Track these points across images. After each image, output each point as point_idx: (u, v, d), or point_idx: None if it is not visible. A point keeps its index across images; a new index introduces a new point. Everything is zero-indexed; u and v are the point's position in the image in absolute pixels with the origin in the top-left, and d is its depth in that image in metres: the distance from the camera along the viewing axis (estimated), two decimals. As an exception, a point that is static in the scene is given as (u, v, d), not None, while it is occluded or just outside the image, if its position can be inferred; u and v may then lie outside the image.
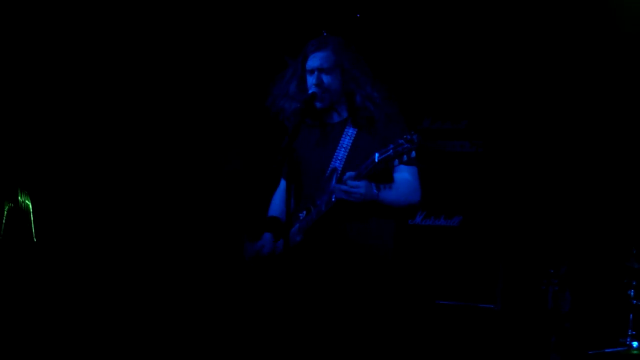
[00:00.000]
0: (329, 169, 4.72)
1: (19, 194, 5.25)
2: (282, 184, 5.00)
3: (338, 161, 4.70)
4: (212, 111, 7.05)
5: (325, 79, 4.68)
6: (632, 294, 6.17)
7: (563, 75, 6.85)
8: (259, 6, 6.81)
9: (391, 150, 4.36)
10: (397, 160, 4.38)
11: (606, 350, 6.02)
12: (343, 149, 4.71)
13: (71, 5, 6.27)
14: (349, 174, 4.42)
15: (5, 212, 5.15)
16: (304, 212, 4.72)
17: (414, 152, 4.34)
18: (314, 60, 4.72)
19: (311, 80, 4.69)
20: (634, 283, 6.17)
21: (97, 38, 6.42)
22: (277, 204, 4.97)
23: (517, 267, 6.78)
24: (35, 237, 5.28)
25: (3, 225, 5.12)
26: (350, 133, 4.71)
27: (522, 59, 6.90)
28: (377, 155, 4.40)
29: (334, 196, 4.51)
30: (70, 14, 6.27)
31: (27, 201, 5.25)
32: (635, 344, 6.07)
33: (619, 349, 6.05)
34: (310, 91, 4.66)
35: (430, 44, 7.09)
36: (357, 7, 6.85)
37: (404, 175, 4.69)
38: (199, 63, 6.92)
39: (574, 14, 6.64)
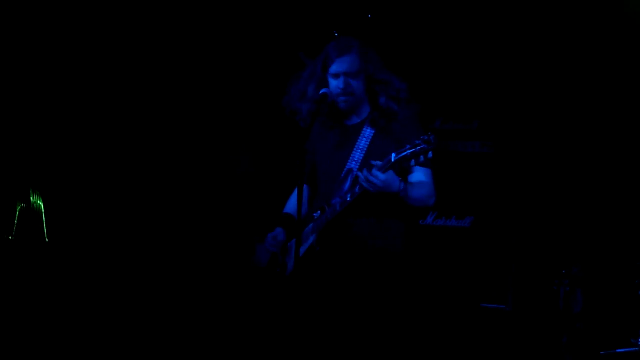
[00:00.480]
0: (344, 170, 4.76)
1: (31, 194, 5.33)
2: (300, 185, 4.81)
3: (354, 163, 4.73)
4: (222, 111, 7.07)
5: (353, 83, 4.71)
6: (643, 294, 5.96)
7: (575, 75, 6.87)
8: (269, 5, 6.84)
9: (408, 151, 4.38)
10: (413, 160, 4.40)
11: (618, 350, 6.00)
12: (359, 151, 4.74)
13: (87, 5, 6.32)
14: (375, 162, 4.42)
15: (18, 212, 5.22)
16: (319, 211, 4.74)
17: (430, 153, 4.35)
18: (341, 65, 4.73)
19: (337, 84, 4.71)
20: (646, 283, 5.96)
21: (107, 38, 6.45)
22: (293, 202, 4.97)
23: (528, 268, 6.79)
24: (47, 237, 5.32)
25: (15, 225, 5.13)
26: (367, 134, 4.73)
27: (533, 58, 6.92)
28: (393, 155, 4.42)
29: (349, 196, 4.53)
30: (87, 14, 6.35)
31: (39, 202, 5.35)
32: (647, 344, 5.83)
33: (630, 349, 6.03)
34: (321, 91, 4.72)
35: (441, 44, 7.11)
36: (368, 7, 6.89)
37: (419, 176, 4.71)
38: (209, 62, 6.95)
39: (587, 12, 6.67)
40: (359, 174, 4.43)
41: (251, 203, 6.96)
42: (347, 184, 4.68)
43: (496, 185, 6.99)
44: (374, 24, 6.86)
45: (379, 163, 4.43)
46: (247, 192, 7.03)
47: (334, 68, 4.72)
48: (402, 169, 4.61)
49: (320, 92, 4.68)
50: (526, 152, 6.95)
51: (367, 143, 4.71)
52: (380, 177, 4.41)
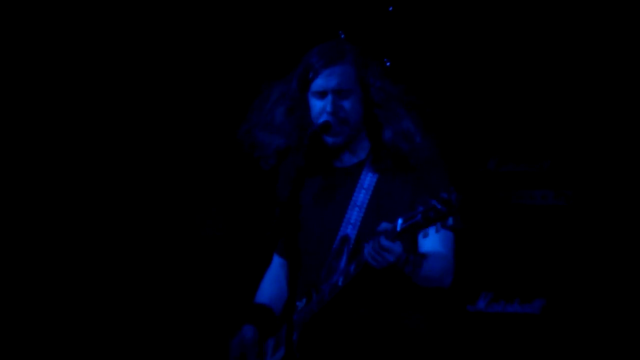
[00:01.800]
0: (338, 236, 4.31)
1: None
2: (275, 259, 4.62)
3: (350, 226, 4.31)
4: (182, 150, 6.88)
5: (345, 104, 4.26)
6: None
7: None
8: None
9: (419, 216, 3.95)
10: (427, 229, 3.99)
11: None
12: (357, 208, 4.33)
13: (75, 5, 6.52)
14: (384, 225, 4.02)
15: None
16: (304, 299, 4.32)
17: (451, 219, 3.93)
18: (329, 78, 4.29)
19: (321, 105, 4.28)
20: None
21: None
22: (267, 287, 4.59)
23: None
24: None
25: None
26: (368, 182, 4.34)
27: (628, 73, 6.47)
28: (400, 222, 3.99)
29: (340, 279, 4.16)
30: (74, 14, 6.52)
31: None
32: None
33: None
34: (320, 119, 4.25)
35: (494, 53, 6.68)
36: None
37: (434, 244, 4.30)
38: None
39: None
40: (366, 247, 4.05)
41: (219, 281, 6.70)
42: (343, 259, 4.28)
43: (578, 253, 6.39)
44: (392, 26, 6.55)
45: (388, 226, 4.03)
46: (214, 262, 6.79)
47: (319, 83, 4.31)
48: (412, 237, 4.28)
49: (320, 121, 4.24)
50: (619, 205, 6.41)
51: (369, 195, 4.32)
52: (393, 248, 4.02)
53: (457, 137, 6.00)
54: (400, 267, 4.10)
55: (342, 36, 6.20)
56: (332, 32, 6.32)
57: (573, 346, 6.39)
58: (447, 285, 4.31)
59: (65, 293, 6.58)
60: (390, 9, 6.38)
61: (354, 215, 4.33)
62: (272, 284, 4.55)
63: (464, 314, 6.49)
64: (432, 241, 4.28)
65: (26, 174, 6.48)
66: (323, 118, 4.27)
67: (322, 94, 4.29)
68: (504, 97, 6.68)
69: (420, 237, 4.28)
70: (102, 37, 6.60)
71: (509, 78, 6.69)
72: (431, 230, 4.14)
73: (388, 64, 5.49)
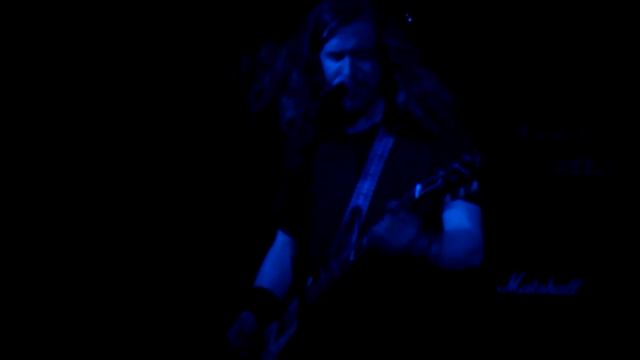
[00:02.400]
0: (348, 208, 4.22)
1: None
2: (279, 237, 4.60)
3: (362, 197, 4.22)
4: (178, 116, 6.76)
5: (363, 65, 4.15)
6: None
7: None
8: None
9: (440, 180, 3.83)
10: (449, 195, 3.87)
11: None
12: (370, 177, 4.25)
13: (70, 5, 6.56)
14: (393, 202, 3.91)
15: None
16: (310, 278, 4.24)
17: (475, 183, 3.84)
18: (346, 38, 4.16)
19: (336, 67, 4.17)
20: None
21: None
22: (268, 269, 4.55)
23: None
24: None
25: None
26: (382, 149, 4.26)
27: None
28: (418, 188, 3.88)
29: (352, 253, 4.02)
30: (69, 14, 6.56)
31: None
32: None
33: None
34: (335, 81, 4.13)
35: (525, 6, 6.45)
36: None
37: (459, 218, 4.18)
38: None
39: None
40: (370, 231, 4.04)
41: (219, 260, 6.62)
42: (354, 233, 4.17)
43: (619, 228, 6.26)
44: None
45: (395, 203, 3.92)
46: (213, 240, 6.69)
47: (334, 43, 4.18)
48: (434, 208, 4.17)
49: (335, 82, 4.11)
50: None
51: (382, 162, 4.23)
52: (408, 223, 3.96)
53: (485, 101, 5.88)
54: (416, 253, 4.02)
55: None
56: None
57: (612, 331, 6.26)
58: (476, 265, 4.23)
59: (66, 278, 6.58)
60: None
61: (366, 185, 4.25)
62: (274, 265, 4.52)
63: (493, 296, 6.34)
64: (458, 216, 4.21)
65: (26, 162, 6.54)
66: (338, 79, 4.17)
67: (338, 55, 4.19)
68: (537, 55, 6.49)
69: (444, 214, 4.24)
70: (102, 33, 6.58)
71: (541, 33, 6.51)
72: (456, 204, 4.15)
73: (410, 19, 5.28)
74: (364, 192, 4.22)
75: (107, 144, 6.79)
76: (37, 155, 6.69)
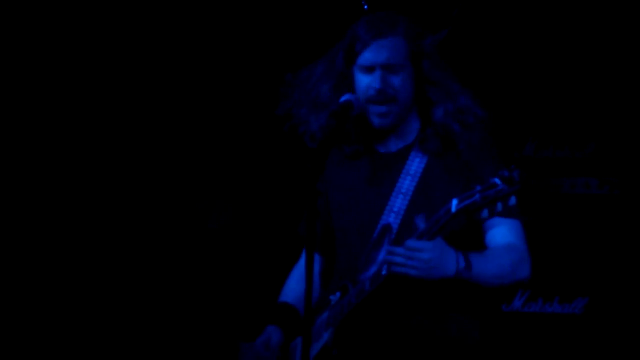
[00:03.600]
0: (379, 226, 4.23)
1: None
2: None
3: (393, 214, 4.22)
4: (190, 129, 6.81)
5: (394, 80, 4.16)
6: None
7: None
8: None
9: (477, 195, 3.82)
10: (486, 210, 3.83)
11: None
12: (402, 195, 4.24)
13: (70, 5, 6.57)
14: (419, 221, 4.03)
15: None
16: (338, 293, 4.24)
17: (514, 198, 3.78)
18: (378, 52, 4.17)
19: (370, 82, 4.17)
20: None
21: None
22: (293, 285, 4.56)
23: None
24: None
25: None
26: (415, 168, 4.26)
27: None
28: (455, 202, 3.86)
29: (384, 268, 4.02)
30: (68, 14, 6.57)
31: None
32: None
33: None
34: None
35: (533, 26, 6.49)
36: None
37: (503, 234, 4.18)
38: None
39: None
40: (392, 250, 3.97)
41: (229, 278, 6.64)
42: (383, 250, 4.13)
43: (624, 247, 6.26)
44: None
45: (423, 224, 3.95)
46: (224, 259, 6.70)
47: (367, 57, 4.20)
48: (471, 224, 4.16)
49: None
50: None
51: (416, 181, 4.23)
52: (427, 247, 3.93)
53: (492, 118, 5.79)
54: (459, 272, 4.04)
55: (366, 7, 6.04)
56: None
57: (617, 350, 6.26)
58: (524, 278, 4.25)
59: (68, 291, 6.60)
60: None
61: (398, 203, 4.24)
62: (298, 281, 4.50)
63: (498, 314, 6.37)
64: (500, 234, 4.20)
65: (29, 168, 6.55)
66: (369, 96, 4.22)
67: (370, 69, 4.20)
68: (544, 74, 6.54)
69: (488, 234, 4.23)
70: (103, 33, 6.60)
71: (548, 52, 6.53)
72: (497, 222, 4.14)
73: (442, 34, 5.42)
74: (395, 210, 4.21)
75: (123, 157, 6.79)
76: (50, 163, 6.66)
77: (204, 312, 6.72)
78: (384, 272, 4.02)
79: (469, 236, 4.18)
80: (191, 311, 6.77)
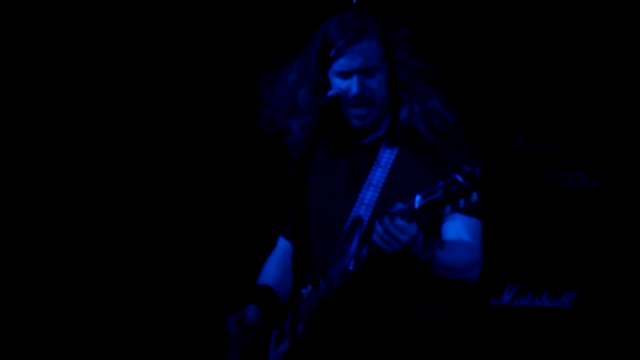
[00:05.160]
0: (350, 217, 4.26)
1: None
2: (281, 244, 4.61)
3: (364, 206, 4.26)
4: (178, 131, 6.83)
5: (371, 83, 4.20)
6: None
7: None
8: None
9: (440, 191, 3.84)
10: (449, 206, 3.87)
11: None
12: (373, 187, 4.28)
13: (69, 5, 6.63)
14: (398, 205, 3.93)
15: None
16: (309, 286, 4.25)
17: (475, 195, 3.81)
18: (353, 57, 4.20)
19: (345, 85, 4.19)
20: None
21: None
22: (271, 270, 4.56)
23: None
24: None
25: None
26: (385, 160, 4.30)
27: None
28: (418, 198, 3.89)
29: (351, 263, 4.05)
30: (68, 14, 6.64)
31: None
32: None
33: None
34: (330, 92, 4.17)
35: (519, 19, 6.50)
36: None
37: (458, 230, 4.21)
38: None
39: None
40: (376, 227, 3.94)
41: (218, 267, 6.64)
42: (354, 243, 4.21)
43: (613, 241, 6.26)
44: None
45: (403, 207, 3.94)
46: (212, 251, 6.71)
47: (342, 63, 4.21)
48: (433, 220, 4.21)
49: (329, 94, 4.15)
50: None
51: (386, 172, 4.27)
52: (408, 229, 3.90)
53: (479, 112, 5.91)
54: (415, 254, 4.03)
55: (355, 1, 6.02)
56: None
57: (606, 344, 6.25)
58: (472, 279, 4.27)
59: (63, 289, 6.63)
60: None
61: (369, 195, 4.26)
62: (276, 267, 4.51)
63: (487, 308, 6.36)
64: (456, 229, 4.23)
65: (27, 164, 6.59)
66: (333, 91, 4.22)
67: (346, 75, 4.20)
68: (532, 67, 6.52)
69: (443, 225, 4.24)
70: (103, 33, 6.63)
71: (536, 45, 6.53)
72: (455, 216, 4.16)
73: (404, 31, 5.22)
74: (366, 202, 4.23)
75: (113, 150, 6.82)
76: (47, 162, 6.68)
77: (200, 308, 6.71)
78: (351, 268, 4.06)
79: (431, 230, 4.20)
80: (187, 307, 6.77)
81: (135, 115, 6.86)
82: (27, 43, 6.50)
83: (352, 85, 4.18)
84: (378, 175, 4.27)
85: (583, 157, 6.36)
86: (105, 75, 6.78)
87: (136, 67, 6.82)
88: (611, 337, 6.22)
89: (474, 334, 5.95)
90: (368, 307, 4.19)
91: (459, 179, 3.81)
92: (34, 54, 6.52)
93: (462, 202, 3.83)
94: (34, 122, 6.67)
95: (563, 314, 6.23)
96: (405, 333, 4.18)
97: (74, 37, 6.69)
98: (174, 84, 6.88)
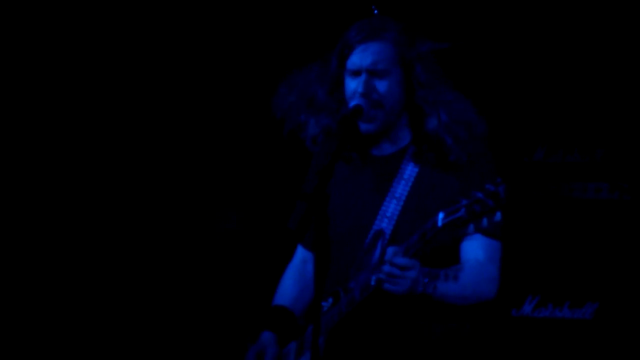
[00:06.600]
0: (372, 231, 4.20)
1: None
2: (299, 254, 4.52)
3: (386, 219, 4.21)
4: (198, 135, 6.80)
5: (379, 85, 4.13)
6: None
7: None
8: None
9: (463, 210, 3.81)
10: (472, 225, 3.82)
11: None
12: (395, 200, 4.22)
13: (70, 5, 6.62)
14: (393, 248, 4.01)
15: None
16: (330, 299, 4.20)
17: (499, 214, 3.77)
18: (363, 55, 4.17)
19: (353, 86, 4.16)
20: None
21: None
22: (288, 286, 4.50)
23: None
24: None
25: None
26: (409, 173, 4.23)
27: None
28: (441, 216, 3.87)
29: (373, 277, 4.00)
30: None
31: None
32: None
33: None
34: (352, 103, 4.14)
35: (541, 29, 6.45)
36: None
37: (476, 252, 4.14)
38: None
39: None
40: (381, 267, 3.97)
41: (240, 280, 6.61)
42: (376, 255, 4.15)
43: (635, 252, 6.19)
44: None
45: (399, 248, 3.97)
46: (232, 259, 6.72)
47: (353, 60, 4.21)
48: (454, 237, 4.13)
49: (350, 105, 4.11)
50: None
51: (409, 185, 4.23)
52: (413, 266, 3.93)
53: (501, 124, 5.85)
54: (425, 291, 4.03)
55: (376, 12, 6.01)
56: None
57: (627, 356, 6.20)
58: (489, 297, 4.23)
59: (77, 292, 6.62)
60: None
61: (391, 207, 4.21)
62: (293, 282, 4.46)
63: (508, 319, 6.31)
64: (473, 250, 4.19)
65: (38, 171, 6.58)
66: (355, 101, 4.16)
67: (356, 73, 4.17)
68: (553, 79, 6.47)
69: (462, 245, 4.20)
70: (106, 33, 6.61)
71: (558, 57, 6.47)
72: (475, 237, 4.11)
73: (429, 44, 5.29)
74: (388, 215, 4.20)
75: (128, 160, 6.80)
76: (62, 167, 6.69)
77: (215, 313, 6.68)
78: (372, 283, 4.03)
79: (446, 247, 4.20)
80: (202, 312, 6.72)
81: (154, 121, 6.83)
82: (27, 43, 6.44)
83: (359, 84, 4.18)
84: (401, 188, 4.23)
85: (604, 168, 6.33)
86: (120, 78, 6.75)
87: (151, 71, 6.79)
88: (632, 348, 6.15)
89: (495, 345, 5.92)
90: (389, 323, 4.16)
91: (483, 197, 3.80)
92: (35, 55, 6.45)
93: (485, 222, 3.82)
94: (55, 124, 6.62)
95: (584, 325, 6.20)
96: (422, 347, 4.16)
97: (76, 40, 6.61)
98: (198, 90, 6.85)
